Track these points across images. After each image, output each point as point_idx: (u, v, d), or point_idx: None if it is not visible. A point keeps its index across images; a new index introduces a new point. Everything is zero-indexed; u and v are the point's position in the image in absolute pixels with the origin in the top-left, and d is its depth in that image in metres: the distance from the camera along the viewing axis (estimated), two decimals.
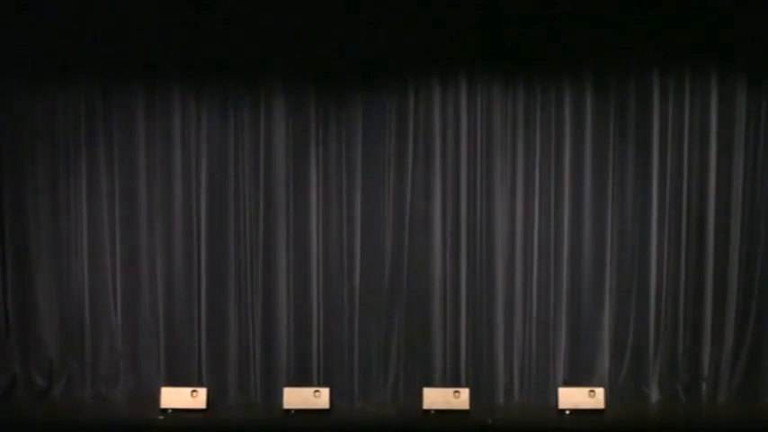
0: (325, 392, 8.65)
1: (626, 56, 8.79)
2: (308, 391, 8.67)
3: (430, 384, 8.74)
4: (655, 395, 8.84)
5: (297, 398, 8.62)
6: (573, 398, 8.55)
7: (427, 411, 8.54)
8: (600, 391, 8.55)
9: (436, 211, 8.97)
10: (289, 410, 8.57)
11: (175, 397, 8.61)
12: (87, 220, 9.01)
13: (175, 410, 8.54)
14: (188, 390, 8.66)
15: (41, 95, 8.93)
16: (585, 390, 8.58)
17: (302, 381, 8.87)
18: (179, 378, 8.88)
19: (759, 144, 8.84)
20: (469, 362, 8.92)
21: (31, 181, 8.98)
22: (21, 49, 8.73)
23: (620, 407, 8.65)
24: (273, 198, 9.01)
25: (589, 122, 8.93)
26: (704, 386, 8.87)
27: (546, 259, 8.93)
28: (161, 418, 8.49)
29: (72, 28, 8.68)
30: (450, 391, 8.64)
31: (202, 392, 8.65)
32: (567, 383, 8.78)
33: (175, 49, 8.78)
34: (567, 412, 8.49)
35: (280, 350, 8.97)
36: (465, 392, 8.62)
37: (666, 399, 8.84)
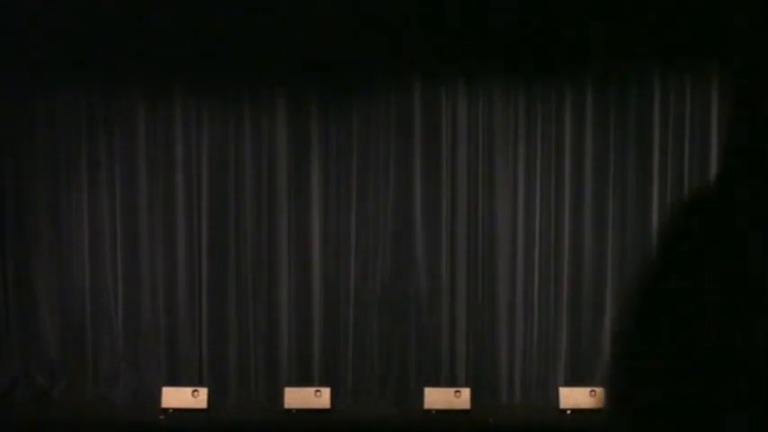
0: (326, 392, 8.65)
1: (627, 56, 8.81)
2: (309, 390, 8.67)
3: (431, 384, 8.75)
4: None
5: (298, 397, 8.62)
6: (574, 397, 8.55)
7: (428, 411, 8.55)
8: (601, 391, 8.56)
9: (437, 212, 8.98)
10: (290, 410, 8.58)
11: (176, 397, 8.61)
12: (88, 220, 9.02)
13: (176, 410, 8.55)
14: (189, 389, 8.66)
15: (42, 95, 8.94)
16: (587, 389, 8.59)
17: (303, 380, 8.88)
18: (180, 378, 8.90)
19: None
20: (470, 361, 8.93)
21: (31, 181, 8.99)
22: (21, 49, 8.73)
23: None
24: (275, 199, 9.02)
25: (590, 124, 8.94)
26: None
27: (547, 259, 8.94)
28: (162, 417, 8.49)
29: (73, 28, 8.67)
30: (451, 390, 8.64)
31: (203, 392, 8.65)
32: (569, 383, 8.79)
33: (176, 50, 8.78)
34: (569, 412, 8.50)
35: (281, 350, 8.97)
36: (466, 392, 8.62)
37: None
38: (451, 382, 8.85)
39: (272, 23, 8.66)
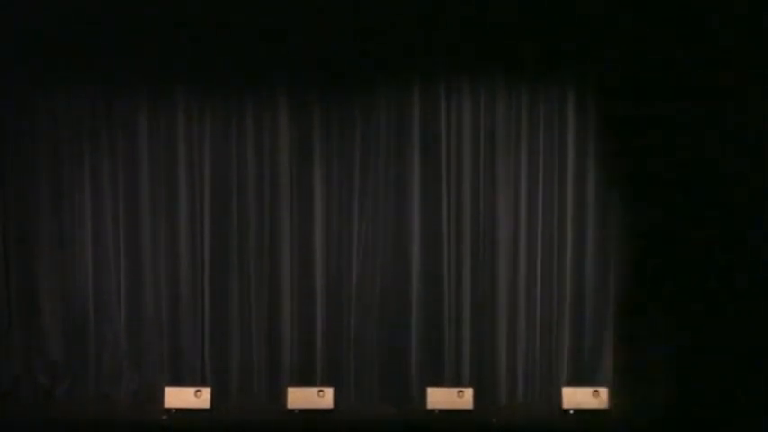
0: (328, 392, 8.66)
1: (628, 55, 8.79)
2: (312, 390, 8.69)
3: (434, 384, 8.75)
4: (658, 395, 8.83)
5: (301, 397, 8.63)
6: (577, 397, 8.55)
7: (431, 411, 8.56)
8: (604, 391, 8.56)
9: (439, 211, 8.97)
10: (292, 410, 8.59)
11: (179, 396, 8.62)
12: (91, 220, 9.01)
13: (179, 410, 8.56)
14: (192, 389, 8.67)
15: (43, 96, 8.93)
16: (589, 389, 8.59)
17: (306, 380, 8.88)
18: (183, 378, 8.90)
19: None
20: (473, 361, 8.93)
21: (34, 181, 8.98)
22: (23, 50, 8.72)
23: (625, 407, 8.64)
24: (277, 199, 9.02)
25: (592, 123, 8.94)
26: None
27: (550, 258, 8.94)
28: (165, 417, 8.50)
29: (73, 28, 8.66)
30: (453, 390, 8.65)
31: (206, 392, 8.66)
32: (571, 383, 8.78)
33: (178, 50, 8.77)
34: (571, 412, 8.50)
35: (283, 350, 8.97)
36: (469, 392, 8.63)
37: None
38: (454, 382, 8.85)
39: (272, 23, 8.66)
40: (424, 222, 8.99)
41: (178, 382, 8.84)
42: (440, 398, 8.60)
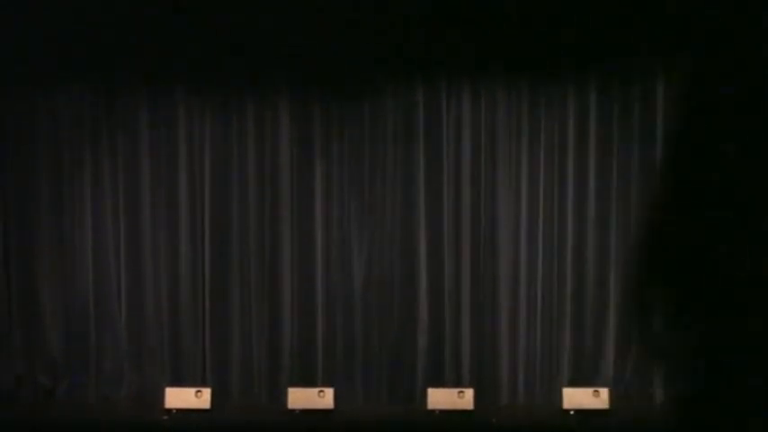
0: (329, 392, 8.65)
1: (629, 54, 8.78)
2: (312, 391, 8.67)
3: (434, 384, 8.74)
4: (660, 395, 8.82)
5: (301, 398, 8.62)
6: (577, 398, 8.54)
7: (431, 411, 8.55)
8: (604, 392, 8.55)
9: (440, 212, 8.97)
10: (293, 410, 8.58)
11: (180, 397, 8.61)
12: (92, 220, 9.01)
13: (180, 410, 8.55)
14: (192, 390, 8.67)
15: (43, 96, 8.93)
16: (590, 390, 8.58)
17: (306, 381, 8.87)
18: (183, 378, 8.90)
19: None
20: (474, 362, 8.92)
21: (34, 181, 8.98)
22: (23, 50, 8.72)
23: (625, 407, 8.64)
24: (277, 200, 9.01)
25: (593, 123, 8.93)
26: None
27: (550, 259, 8.93)
28: (165, 418, 8.50)
29: (75, 30, 8.65)
30: (454, 391, 8.64)
31: (207, 392, 8.65)
32: (572, 383, 8.77)
33: (178, 50, 8.76)
34: (572, 412, 8.49)
35: (284, 350, 8.97)
36: (469, 392, 8.61)
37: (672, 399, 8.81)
38: (455, 382, 8.84)
39: (272, 23, 8.64)
40: (425, 223, 8.98)
41: (178, 382, 8.84)
42: (440, 398, 8.59)
